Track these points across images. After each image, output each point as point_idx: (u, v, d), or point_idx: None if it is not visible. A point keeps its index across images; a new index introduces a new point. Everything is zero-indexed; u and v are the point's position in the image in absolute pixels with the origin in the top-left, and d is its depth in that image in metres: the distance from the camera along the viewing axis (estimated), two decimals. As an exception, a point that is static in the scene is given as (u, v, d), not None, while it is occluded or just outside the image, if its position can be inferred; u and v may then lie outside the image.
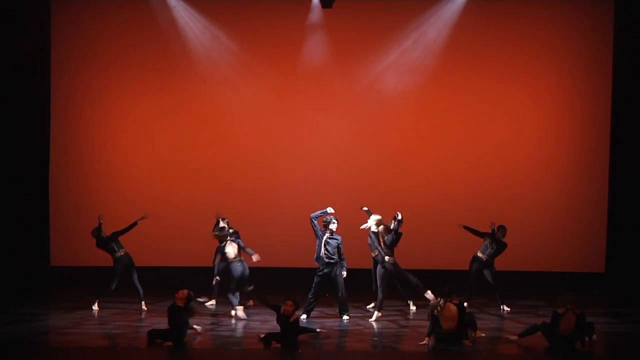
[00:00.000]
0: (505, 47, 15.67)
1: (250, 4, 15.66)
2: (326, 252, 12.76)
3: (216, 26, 15.67)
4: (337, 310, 13.01)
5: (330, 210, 12.92)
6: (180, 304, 10.95)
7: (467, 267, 13.83)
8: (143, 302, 13.37)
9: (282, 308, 11.01)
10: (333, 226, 12.81)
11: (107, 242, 13.38)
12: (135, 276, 13.40)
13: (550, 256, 15.49)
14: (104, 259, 15.01)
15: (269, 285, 14.08)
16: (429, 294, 12.25)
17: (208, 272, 13.80)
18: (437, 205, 15.53)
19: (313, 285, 12.87)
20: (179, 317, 10.87)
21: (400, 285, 13.37)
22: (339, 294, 12.89)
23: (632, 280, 15.12)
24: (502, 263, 13.98)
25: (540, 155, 15.71)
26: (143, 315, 12.98)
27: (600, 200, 15.58)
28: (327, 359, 10.70)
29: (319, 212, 12.94)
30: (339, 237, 12.87)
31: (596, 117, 15.64)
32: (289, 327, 10.94)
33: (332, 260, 12.80)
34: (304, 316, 12.68)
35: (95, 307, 13.23)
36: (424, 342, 10.84)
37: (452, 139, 15.75)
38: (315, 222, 12.93)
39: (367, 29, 15.65)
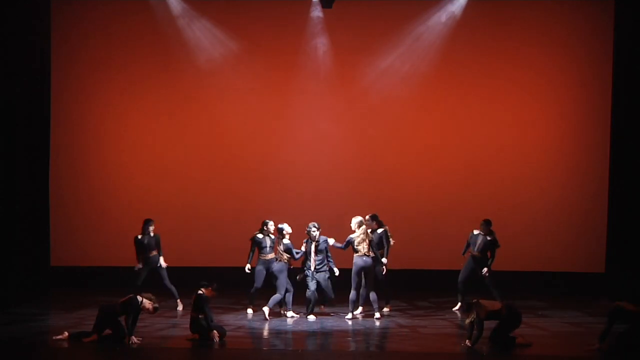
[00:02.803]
0: (505, 49, 15.64)
1: (250, 4, 15.66)
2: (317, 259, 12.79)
3: (216, 26, 15.66)
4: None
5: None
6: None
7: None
8: (178, 300, 13.47)
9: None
10: (315, 233, 12.78)
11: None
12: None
13: (550, 256, 15.48)
14: (103, 258, 15.05)
15: (269, 285, 14.03)
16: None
17: (208, 272, 13.79)
18: (437, 205, 15.52)
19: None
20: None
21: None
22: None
23: (632, 280, 15.10)
24: (502, 263, 13.99)
25: (540, 156, 15.70)
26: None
27: (600, 200, 15.57)
28: (327, 359, 10.70)
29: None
30: (323, 238, 12.83)
31: (596, 117, 15.62)
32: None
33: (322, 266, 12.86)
34: (312, 317, 12.74)
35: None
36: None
37: (452, 140, 15.72)
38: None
39: (368, 30, 15.62)
